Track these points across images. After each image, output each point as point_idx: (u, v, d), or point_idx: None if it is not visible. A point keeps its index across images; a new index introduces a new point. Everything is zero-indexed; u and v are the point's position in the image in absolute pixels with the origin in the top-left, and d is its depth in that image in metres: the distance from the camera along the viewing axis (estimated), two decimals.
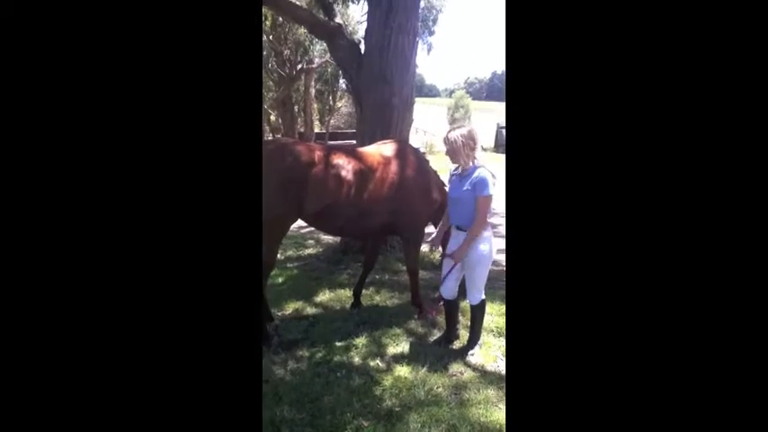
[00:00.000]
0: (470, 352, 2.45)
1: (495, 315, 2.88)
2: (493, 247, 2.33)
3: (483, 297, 2.42)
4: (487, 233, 2.33)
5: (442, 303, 2.58)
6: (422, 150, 3.11)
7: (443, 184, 3.02)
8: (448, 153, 2.35)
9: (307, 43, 11.60)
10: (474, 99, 39.07)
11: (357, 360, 2.41)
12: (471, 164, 2.30)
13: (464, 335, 2.61)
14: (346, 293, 3.36)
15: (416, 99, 4.49)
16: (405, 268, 3.55)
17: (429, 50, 14.95)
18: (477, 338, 2.50)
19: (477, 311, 2.46)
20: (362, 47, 4.25)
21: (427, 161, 3.03)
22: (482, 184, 2.23)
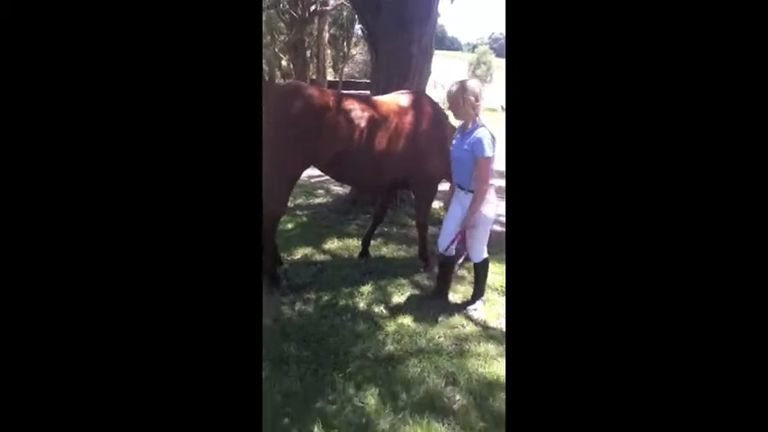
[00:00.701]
0: (473, 307, 2.51)
1: (500, 274, 2.93)
2: (495, 207, 2.30)
3: (485, 255, 2.45)
4: (489, 195, 2.27)
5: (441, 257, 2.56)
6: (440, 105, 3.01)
7: None
8: (450, 108, 2.28)
9: None
10: (498, 56, 37.13)
11: (362, 306, 2.49)
12: (472, 122, 2.21)
13: (469, 290, 2.66)
14: (354, 243, 3.41)
15: (436, 51, 4.30)
16: (414, 222, 3.59)
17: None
18: (480, 295, 2.55)
19: (480, 269, 2.50)
20: None
21: (446, 115, 2.95)
22: (479, 144, 2.14)
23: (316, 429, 1.58)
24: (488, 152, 2.15)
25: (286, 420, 1.62)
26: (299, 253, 3.24)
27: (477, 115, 2.21)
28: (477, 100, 2.19)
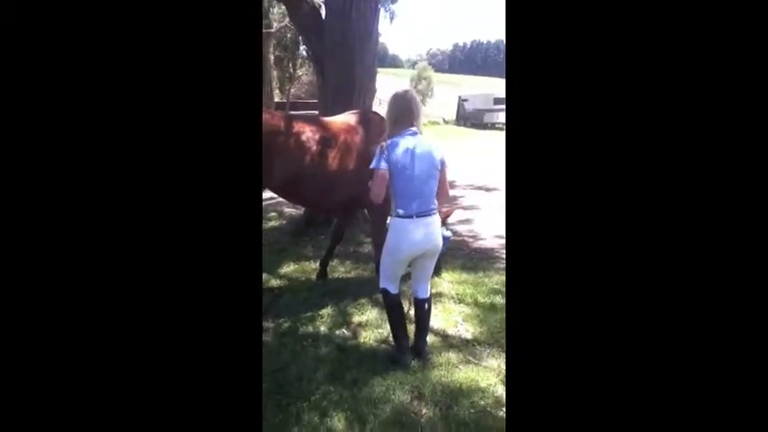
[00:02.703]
0: (429, 353, 2.16)
1: (454, 283, 3.00)
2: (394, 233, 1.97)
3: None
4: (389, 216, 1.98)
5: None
6: None
7: None
8: (404, 117, 1.96)
9: (265, 5, 10.99)
10: (436, 71, 38.75)
11: (323, 329, 2.45)
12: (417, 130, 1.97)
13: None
14: (311, 265, 3.36)
15: (379, 69, 4.41)
16: (368, 240, 3.60)
17: (392, 19, 14.53)
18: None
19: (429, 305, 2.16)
20: (323, 11, 4.09)
21: None
22: (438, 151, 1.96)
23: None
24: (373, 163, 1.92)
25: None
26: None
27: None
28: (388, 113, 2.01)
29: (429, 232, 1.94)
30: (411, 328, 2.20)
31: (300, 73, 15.45)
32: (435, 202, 1.97)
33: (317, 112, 3.96)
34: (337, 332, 2.42)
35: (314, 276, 3.15)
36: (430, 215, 1.93)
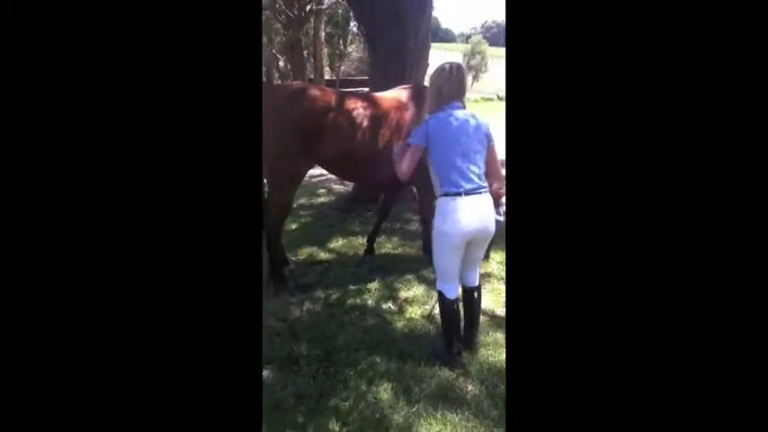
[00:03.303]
0: (477, 343, 2.07)
1: (503, 263, 2.94)
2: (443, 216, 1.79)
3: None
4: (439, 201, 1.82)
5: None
6: None
7: None
8: (457, 92, 1.87)
9: None
10: (491, 45, 37.02)
11: (370, 302, 2.50)
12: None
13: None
14: (358, 241, 3.42)
15: (431, 44, 4.29)
16: (416, 217, 3.59)
17: None
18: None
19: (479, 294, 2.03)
20: None
21: None
22: (487, 128, 1.86)
23: (331, 426, 1.60)
24: (410, 138, 1.85)
25: (300, 419, 1.63)
26: (305, 253, 3.25)
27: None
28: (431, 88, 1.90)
29: (480, 212, 1.75)
30: None
31: (351, 50, 15.39)
32: (485, 180, 1.81)
33: (366, 90, 3.94)
34: (384, 306, 2.47)
35: (361, 252, 3.21)
36: (479, 193, 1.76)
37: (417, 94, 2.81)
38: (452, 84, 1.83)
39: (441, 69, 1.87)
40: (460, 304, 1.96)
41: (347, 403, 1.71)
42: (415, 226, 3.65)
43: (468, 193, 1.74)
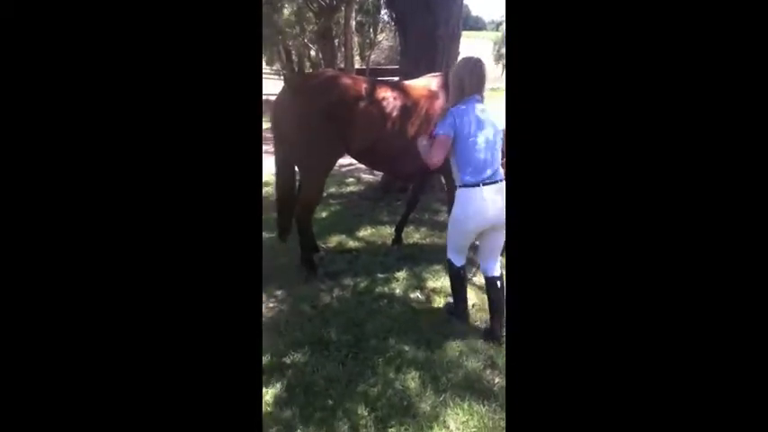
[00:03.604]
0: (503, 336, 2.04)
1: None
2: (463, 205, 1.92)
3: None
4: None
5: None
6: None
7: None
8: (481, 85, 1.93)
9: None
10: None
11: (398, 291, 2.52)
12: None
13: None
14: (387, 230, 3.44)
15: (462, 32, 4.21)
16: (444, 208, 3.57)
17: None
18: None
19: (503, 284, 2.06)
20: None
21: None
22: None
23: (359, 410, 1.63)
24: (438, 129, 1.90)
25: (330, 402, 1.68)
26: (334, 241, 3.29)
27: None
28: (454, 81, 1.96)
29: (497, 201, 1.85)
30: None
31: (381, 38, 15.28)
32: (503, 171, 1.91)
33: (396, 79, 3.92)
34: (412, 295, 2.48)
35: (389, 241, 3.23)
36: (497, 183, 1.87)
37: (448, 83, 2.77)
38: (474, 77, 1.88)
39: (463, 63, 1.94)
40: (466, 272, 2.16)
41: (375, 389, 1.74)
42: (443, 216, 3.63)
43: (486, 183, 1.86)
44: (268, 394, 1.72)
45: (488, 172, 1.86)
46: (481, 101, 1.91)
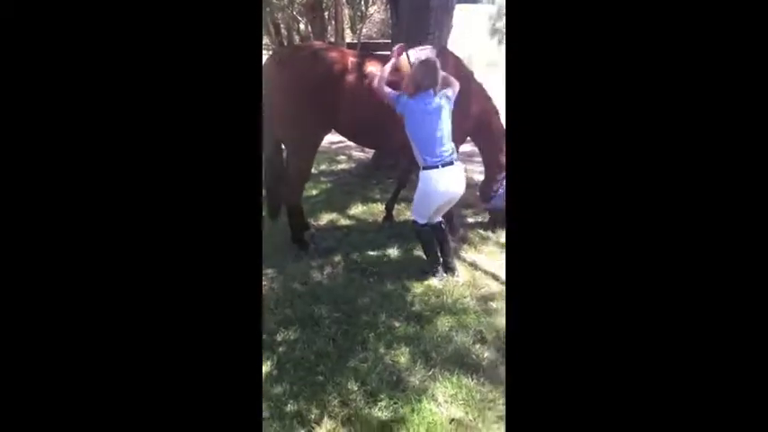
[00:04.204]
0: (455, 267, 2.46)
1: None
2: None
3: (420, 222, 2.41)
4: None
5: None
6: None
7: (487, 99, 2.86)
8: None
9: None
10: None
11: (389, 269, 2.52)
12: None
13: (493, 249, 2.64)
14: (378, 207, 3.42)
15: (456, 5, 4.08)
16: None
17: None
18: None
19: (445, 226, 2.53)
20: None
21: (470, 71, 2.83)
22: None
23: (349, 385, 1.65)
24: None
25: (320, 378, 1.69)
26: (325, 218, 3.27)
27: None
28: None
29: (454, 180, 2.22)
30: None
31: (372, 11, 14.86)
32: (456, 154, 2.25)
33: (388, 53, 3.83)
34: (402, 273, 2.48)
35: (381, 218, 3.21)
36: (453, 164, 2.21)
37: (438, 56, 2.70)
38: (429, 75, 2.19)
39: (421, 62, 2.25)
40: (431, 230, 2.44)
41: (365, 365, 1.76)
42: None
43: (444, 165, 2.20)
44: None
45: (445, 155, 2.20)
46: (434, 95, 2.21)
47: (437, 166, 2.20)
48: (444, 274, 2.42)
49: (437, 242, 2.45)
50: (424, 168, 2.24)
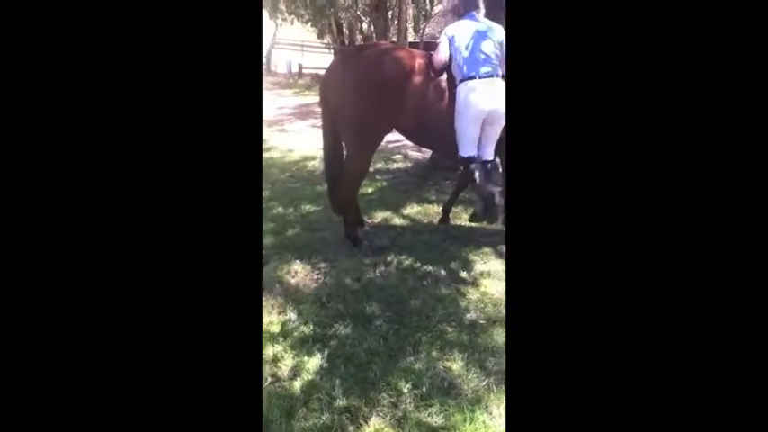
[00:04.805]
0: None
1: None
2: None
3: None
4: None
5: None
6: None
7: None
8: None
9: None
10: None
11: (443, 272, 2.46)
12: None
13: None
14: (434, 209, 3.37)
15: None
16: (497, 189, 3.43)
17: None
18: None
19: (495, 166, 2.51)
20: None
21: None
22: None
23: (400, 386, 1.62)
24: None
25: (371, 375, 1.68)
26: (379, 216, 3.27)
27: None
28: None
29: (491, 94, 2.24)
30: None
31: (437, 9, 14.73)
32: (499, 68, 2.30)
33: None
34: (458, 276, 2.42)
35: (436, 220, 3.16)
36: (492, 77, 2.26)
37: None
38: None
39: None
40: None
41: (417, 366, 1.72)
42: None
43: (481, 77, 2.26)
44: (309, 362, 1.75)
45: (485, 69, 2.26)
46: (476, 17, 2.39)
47: (473, 77, 2.24)
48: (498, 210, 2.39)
49: (492, 184, 2.36)
50: (462, 81, 2.28)
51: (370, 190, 3.88)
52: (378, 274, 2.44)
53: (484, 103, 2.24)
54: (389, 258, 2.60)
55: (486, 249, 2.72)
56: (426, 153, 4.75)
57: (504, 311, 2.09)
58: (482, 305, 2.15)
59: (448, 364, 1.74)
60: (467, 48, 2.30)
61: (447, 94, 2.42)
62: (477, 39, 2.32)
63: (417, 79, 2.38)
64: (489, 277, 2.40)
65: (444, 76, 2.43)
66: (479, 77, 2.25)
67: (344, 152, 2.70)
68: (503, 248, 2.73)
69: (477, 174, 2.36)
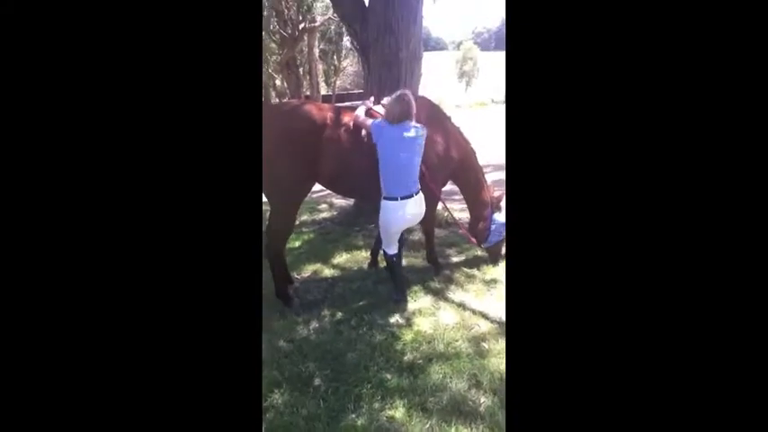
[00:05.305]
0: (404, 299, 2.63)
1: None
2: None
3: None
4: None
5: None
6: None
7: (466, 141, 2.95)
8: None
9: (308, 0, 11.13)
10: (483, 50, 37.55)
11: (377, 317, 2.46)
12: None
13: (480, 288, 2.63)
14: (362, 254, 3.40)
15: (423, 53, 4.31)
16: (417, 227, 3.56)
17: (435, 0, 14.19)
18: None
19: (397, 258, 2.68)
20: (366, 0, 4.05)
21: (446, 115, 2.94)
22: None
23: None
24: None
25: None
26: (309, 269, 3.22)
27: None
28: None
29: (412, 210, 2.40)
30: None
31: (345, 64, 15.54)
32: (418, 185, 2.41)
33: (360, 103, 3.96)
34: (391, 320, 2.43)
35: (365, 265, 3.18)
36: (413, 196, 2.38)
37: (417, 103, 2.81)
38: (404, 107, 2.31)
39: (396, 97, 2.35)
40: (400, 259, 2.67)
41: (360, 422, 1.67)
42: (418, 236, 3.62)
43: (403, 197, 2.36)
44: None
45: (406, 188, 2.35)
46: (409, 128, 2.31)
47: (396, 199, 2.35)
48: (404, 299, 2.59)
49: (397, 273, 2.64)
50: (385, 199, 2.39)
51: (297, 243, 3.83)
52: (312, 331, 2.37)
53: (404, 220, 2.41)
54: (323, 312, 2.55)
55: (415, 287, 2.78)
56: (350, 200, 4.83)
57: (439, 347, 2.13)
58: (417, 344, 2.17)
59: (390, 413, 1.72)
60: (391, 158, 2.30)
61: (363, 144, 2.52)
62: (407, 149, 2.31)
63: (329, 131, 2.46)
64: (421, 315, 2.45)
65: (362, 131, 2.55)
66: (401, 199, 2.35)
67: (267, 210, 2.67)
68: (430, 284, 2.82)
69: (394, 262, 2.60)
